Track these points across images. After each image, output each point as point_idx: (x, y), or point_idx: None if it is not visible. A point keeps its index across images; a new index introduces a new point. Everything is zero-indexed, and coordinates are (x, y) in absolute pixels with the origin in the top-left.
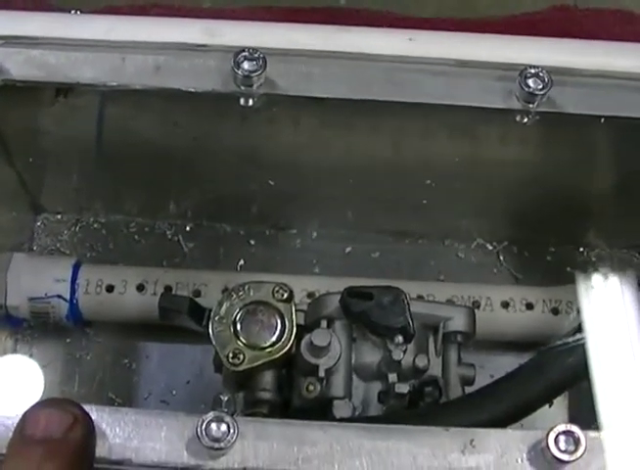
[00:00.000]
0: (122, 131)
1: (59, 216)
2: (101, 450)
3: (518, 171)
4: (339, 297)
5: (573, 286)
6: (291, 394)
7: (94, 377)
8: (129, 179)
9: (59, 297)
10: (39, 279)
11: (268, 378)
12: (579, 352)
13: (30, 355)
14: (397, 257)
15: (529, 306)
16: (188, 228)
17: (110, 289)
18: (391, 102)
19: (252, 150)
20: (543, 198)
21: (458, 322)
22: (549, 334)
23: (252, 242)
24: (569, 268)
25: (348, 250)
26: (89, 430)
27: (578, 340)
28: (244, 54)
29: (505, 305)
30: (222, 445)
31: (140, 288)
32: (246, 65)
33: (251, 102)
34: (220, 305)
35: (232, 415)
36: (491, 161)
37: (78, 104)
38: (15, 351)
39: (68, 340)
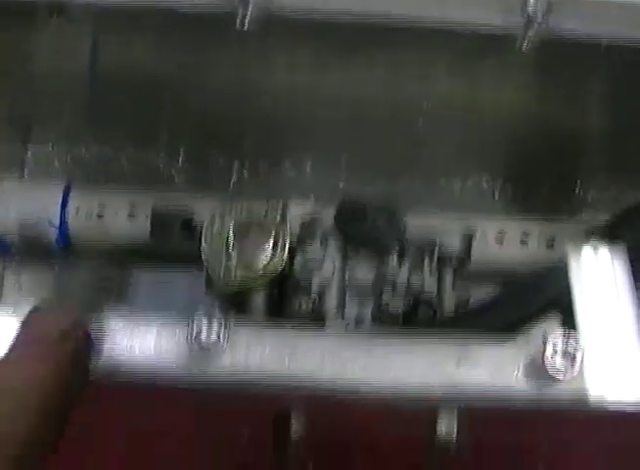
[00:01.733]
0: (116, 58)
1: (50, 147)
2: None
3: (515, 107)
4: (333, 215)
5: (569, 223)
6: (282, 314)
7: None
8: (122, 109)
9: (48, 222)
10: (29, 204)
11: (260, 297)
12: None
13: (19, 282)
14: (392, 192)
15: (524, 240)
16: (180, 159)
17: (100, 214)
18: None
19: (248, 79)
20: (540, 135)
21: (454, 246)
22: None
23: (245, 174)
24: (564, 207)
25: (342, 186)
26: (86, 337)
27: None
28: None
29: (499, 237)
30: (214, 346)
31: (131, 214)
32: None
33: (246, 24)
34: (213, 224)
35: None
36: (488, 93)
37: (71, 29)
38: (2, 278)
39: (56, 266)
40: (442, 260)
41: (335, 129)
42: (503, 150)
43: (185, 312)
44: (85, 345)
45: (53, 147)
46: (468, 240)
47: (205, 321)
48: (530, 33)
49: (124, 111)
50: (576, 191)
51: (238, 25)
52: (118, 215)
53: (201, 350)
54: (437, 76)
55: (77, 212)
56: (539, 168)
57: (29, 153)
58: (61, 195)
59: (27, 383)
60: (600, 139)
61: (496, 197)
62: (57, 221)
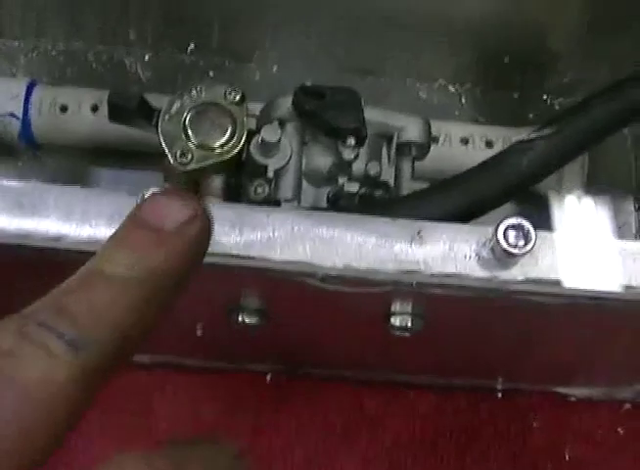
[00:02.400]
0: None
1: (16, 42)
2: None
3: (484, 4)
4: (292, 98)
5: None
6: (239, 199)
7: None
8: (90, 3)
9: (11, 115)
10: None
11: (217, 183)
12: (539, 148)
13: None
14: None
15: (489, 144)
16: (147, 57)
17: (63, 109)
18: None
19: None
20: (508, 38)
21: (413, 133)
22: None
23: (211, 73)
24: (531, 114)
25: (308, 84)
26: (206, 228)
27: (539, 136)
28: None
29: (465, 141)
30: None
31: (94, 108)
32: None
33: None
34: (171, 104)
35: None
36: None
37: None
38: None
39: (19, 163)
40: (401, 149)
41: (301, 22)
42: (471, 54)
43: None
44: (204, 237)
45: (19, 42)
46: (427, 127)
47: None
48: None
49: (91, 5)
50: (544, 98)
51: None
52: (82, 110)
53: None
54: None
55: (40, 107)
56: (507, 74)
57: None
58: (25, 88)
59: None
60: (569, 42)
61: (463, 101)
62: (20, 115)
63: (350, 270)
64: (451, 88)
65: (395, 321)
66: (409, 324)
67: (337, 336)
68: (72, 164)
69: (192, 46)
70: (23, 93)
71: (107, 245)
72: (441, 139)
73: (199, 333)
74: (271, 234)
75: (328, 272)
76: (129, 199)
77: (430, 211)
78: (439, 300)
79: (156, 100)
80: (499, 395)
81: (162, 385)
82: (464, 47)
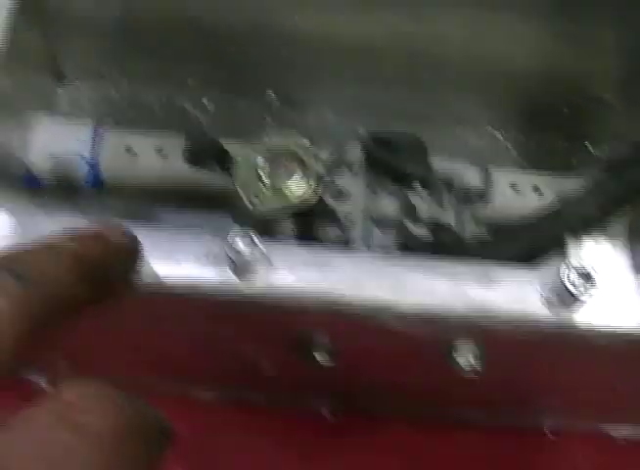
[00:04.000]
0: None
1: (80, 84)
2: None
3: (531, 55)
4: (360, 145)
5: (579, 178)
6: (310, 241)
7: None
8: (151, 49)
9: (79, 156)
10: (61, 137)
11: (288, 225)
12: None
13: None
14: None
15: (536, 190)
16: (205, 101)
17: (130, 151)
18: None
19: (275, 22)
20: (553, 86)
21: (474, 179)
22: None
23: (269, 119)
24: (576, 161)
25: (361, 131)
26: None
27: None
28: None
29: (513, 187)
30: (249, 261)
31: (159, 151)
32: None
33: None
34: (245, 150)
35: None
36: (506, 39)
37: None
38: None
39: (83, 203)
40: (462, 194)
41: (356, 73)
42: (518, 102)
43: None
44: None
45: (82, 84)
46: (486, 174)
47: (240, 237)
48: None
49: (154, 51)
50: (589, 145)
51: None
52: (147, 152)
53: (237, 265)
54: (455, 26)
55: (107, 149)
56: (552, 121)
57: (60, 90)
58: (92, 131)
59: None
60: (616, 94)
61: (509, 148)
62: (88, 158)
63: (422, 310)
64: (498, 135)
65: (459, 360)
66: (472, 363)
67: (398, 374)
68: (136, 204)
69: (250, 92)
70: (91, 136)
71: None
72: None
73: (265, 370)
74: (346, 275)
75: (404, 312)
76: (214, 240)
77: (496, 253)
78: (503, 339)
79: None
80: (548, 434)
81: (223, 419)
82: (511, 95)
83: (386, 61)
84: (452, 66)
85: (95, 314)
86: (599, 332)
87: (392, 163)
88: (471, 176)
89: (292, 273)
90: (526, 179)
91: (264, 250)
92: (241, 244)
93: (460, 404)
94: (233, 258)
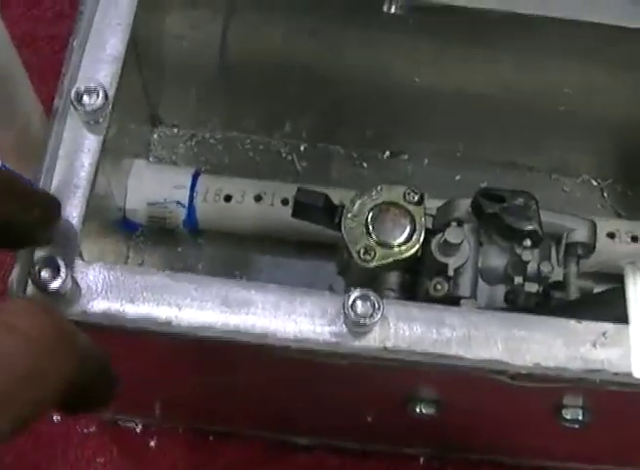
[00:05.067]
0: (247, 41)
1: (175, 130)
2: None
3: (631, 106)
4: (469, 201)
5: None
6: (415, 296)
7: None
8: (248, 95)
9: (177, 203)
10: (159, 185)
11: (394, 278)
12: None
13: (142, 262)
14: (505, 187)
15: (634, 239)
16: (302, 148)
17: (227, 198)
18: (533, 16)
19: (373, 69)
20: None
21: (581, 234)
22: None
23: (365, 165)
24: None
25: (458, 178)
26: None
27: None
28: None
29: (611, 235)
30: (367, 321)
31: (257, 198)
32: None
33: (393, 8)
34: (353, 203)
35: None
36: (607, 90)
37: (204, 10)
38: (127, 257)
39: (179, 249)
40: (569, 249)
41: (453, 123)
42: (615, 151)
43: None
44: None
45: (179, 130)
46: (593, 229)
47: (358, 296)
48: None
49: (249, 96)
50: None
51: (385, 8)
52: (245, 199)
53: (354, 325)
54: (552, 74)
55: (205, 196)
56: None
57: (157, 136)
58: (191, 178)
59: None
60: None
61: (605, 196)
62: (185, 203)
63: (540, 369)
64: (594, 183)
65: (567, 414)
66: (580, 417)
67: (501, 425)
68: (232, 250)
69: (346, 138)
70: (189, 182)
71: None
72: None
73: (369, 420)
74: (465, 333)
75: (519, 371)
76: (332, 298)
77: (608, 312)
78: (614, 395)
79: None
80: None
81: (319, 465)
82: (607, 144)
83: (481, 109)
84: (551, 115)
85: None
86: None
87: (505, 219)
88: (581, 231)
89: (405, 332)
90: (624, 227)
91: (382, 310)
92: (359, 304)
93: (557, 454)
94: (351, 317)
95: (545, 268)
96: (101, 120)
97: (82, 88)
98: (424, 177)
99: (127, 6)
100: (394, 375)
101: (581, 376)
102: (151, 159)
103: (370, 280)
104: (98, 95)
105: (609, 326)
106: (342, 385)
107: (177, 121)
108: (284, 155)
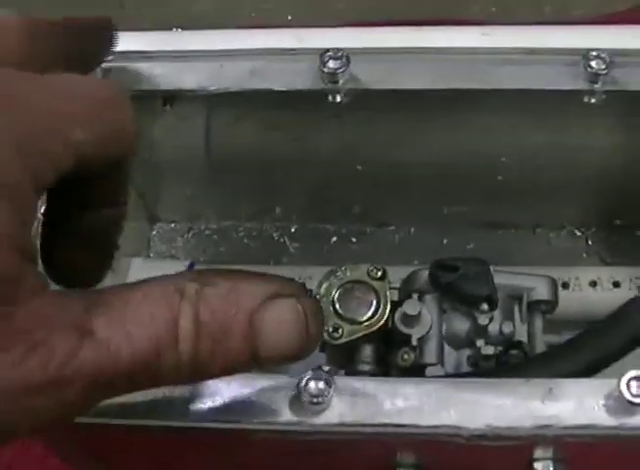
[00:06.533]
0: (228, 138)
1: (173, 225)
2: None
3: (602, 156)
4: (427, 272)
5: None
6: (388, 366)
7: None
8: (237, 186)
9: None
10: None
11: (367, 352)
12: None
13: None
14: (491, 246)
15: (616, 285)
16: (293, 229)
17: None
18: (471, 90)
19: (347, 149)
20: (628, 183)
21: (541, 291)
22: None
23: (354, 240)
24: None
25: (445, 242)
26: None
27: None
28: (329, 54)
29: (593, 284)
30: (320, 400)
31: None
32: (331, 63)
33: (338, 98)
34: (320, 285)
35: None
36: (572, 147)
37: (185, 113)
38: None
39: None
40: (532, 307)
41: (432, 189)
42: (595, 199)
43: None
44: None
45: (175, 225)
46: (553, 284)
47: (310, 377)
48: (597, 88)
49: (239, 188)
50: None
51: (330, 99)
52: None
53: (310, 404)
54: (523, 132)
55: None
56: (631, 216)
57: (155, 232)
58: (187, 269)
59: None
60: None
61: (589, 244)
62: None
63: (491, 430)
64: (578, 233)
65: (539, 467)
66: (551, 469)
67: None
68: None
69: (334, 216)
70: None
71: None
72: (572, 285)
73: None
74: (419, 402)
75: (472, 433)
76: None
77: (560, 368)
78: (579, 445)
79: (302, 272)
80: None
81: None
82: (589, 194)
83: (462, 177)
84: (532, 176)
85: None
86: None
87: (459, 287)
88: (540, 288)
89: (360, 405)
90: (606, 274)
91: (333, 388)
92: (313, 384)
93: None
94: (306, 398)
95: (507, 329)
96: None
97: None
98: (412, 245)
99: None
100: (366, 447)
101: (534, 432)
102: (151, 254)
103: (347, 355)
104: None
105: (556, 381)
106: (323, 459)
107: (174, 217)
108: (276, 238)
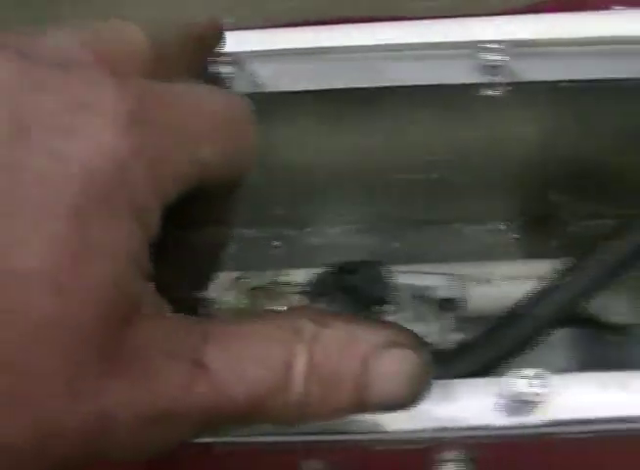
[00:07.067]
0: None
1: None
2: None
3: (521, 149)
4: (332, 274)
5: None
6: None
7: None
8: None
9: None
10: None
11: None
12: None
13: None
14: (416, 243)
15: (535, 279)
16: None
17: None
18: (360, 88)
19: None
20: (549, 176)
21: (445, 290)
22: None
23: (276, 243)
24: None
25: (369, 242)
26: None
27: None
28: None
29: (510, 278)
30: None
31: None
32: None
33: None
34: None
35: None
36: (489, 140)
37: None
38: None
39: None
40: (441, 305)
41: (349, 190)
42: (516, 192)
43: None
44: None
45: None
46: (456, 283)
47: None
48: (495, 80)
49: None
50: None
51: None
52: None
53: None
54: (431, 129)
55: None
56: (554, 208)
57: None
58: None
59: None
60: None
61: (514, 237)
62: None
63: (388, 435)
64: (501, 226)
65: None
66: None
67: None
68: None
69: (255, 221)
70: None
71: None
72: (493, 280)
73: None
74: None
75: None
76: None
77: (459, 369)
78: (480, 447)
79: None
80: None
81: None
82: (512, 187)
83: (382, 175)
84: (451, 167)
85: None
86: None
87: (359, 289)
88: (444, 287)
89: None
90: (524, 268)
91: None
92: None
93: None
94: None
95: (417, 328)
96: None
97: None
98: (333, 246)
99: None
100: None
101: (429, 435)
102: None
103: None
104: None
105: (450, 382)
106: None
107: None
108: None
